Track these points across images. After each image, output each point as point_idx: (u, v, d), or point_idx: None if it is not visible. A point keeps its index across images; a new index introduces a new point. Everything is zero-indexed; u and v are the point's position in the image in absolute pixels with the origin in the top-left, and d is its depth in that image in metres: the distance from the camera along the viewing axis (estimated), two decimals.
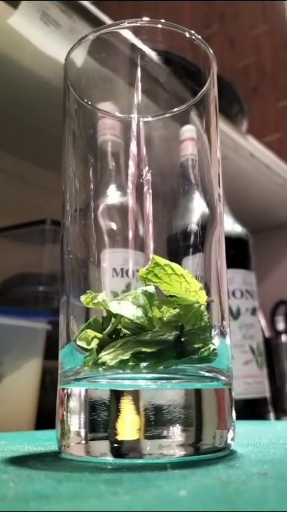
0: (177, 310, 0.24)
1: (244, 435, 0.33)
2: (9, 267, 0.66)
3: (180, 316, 0.24)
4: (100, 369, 0.23)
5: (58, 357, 0.26)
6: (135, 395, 0.22)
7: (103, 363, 0.23)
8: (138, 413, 0.22)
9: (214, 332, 0.25)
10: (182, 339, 0.24)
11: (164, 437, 0.22)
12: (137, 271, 0.26)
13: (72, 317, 0.26)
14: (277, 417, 0.70)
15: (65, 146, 0.29)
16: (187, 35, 0.29)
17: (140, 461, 0.21)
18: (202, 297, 0.24)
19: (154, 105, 0.30)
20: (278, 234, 1.17)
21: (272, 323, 0.99)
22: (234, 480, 0.16)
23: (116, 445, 0.22)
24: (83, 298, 0.25)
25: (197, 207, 0.28)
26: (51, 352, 0.53)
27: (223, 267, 0.28)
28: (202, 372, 0.24)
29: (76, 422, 0.23)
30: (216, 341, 0.25)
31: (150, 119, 0.29)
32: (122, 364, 0.23)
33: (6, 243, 0.69)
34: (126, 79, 0.31)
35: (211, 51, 0.29)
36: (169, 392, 0.23)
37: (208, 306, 0.25)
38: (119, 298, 0.25)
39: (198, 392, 0.23)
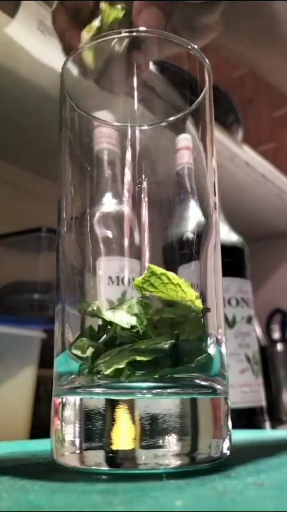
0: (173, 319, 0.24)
1: (240, 445, 0.33)
2: (4, 275, 0.66)
3: (176, 325, 0.24)
4: (95, 378, 0.23)
5: (53, 366, 0.26)
6: (131, 404, 0.22)
7: (98, 372, 0.23)
8: (134, 422, 0.22)
9: (209, 341, 0.25)
10: (178, 348, 0.24)
11: (160, 446, 0.22)
12: (133, 279, 0.26)
13: (67, 325, 0.26)
14: (273, 426, 0.70)
15: (61, 154, 0.29)
16: (183, 45, 0.29)
17: (135, 471, 0.21)
18: (198, 307, 0.24)
19: (150, 114, 0.30)
20: (274, 243, 1.18)
21: (267, 331, 0.99)
22: (230, 490, 0.16)
23: (111, 454, 0.22)
24: (78, 306, 0.25)
25: (193, 215, 0.28)
26: (46, 360, 0.53)
27: (219, 275, 0.28)
28: (198, 381, 0.24)
29: (70, 431, 0.23)
30: (211, 350, 0.25)
31: (146, 127, 0.29)
32: (118, 373, 0.22)
33: (1, 251, 0.69)
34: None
35: (207, 60, 0.29)
36: (164, 401, 0.22)
37: (204, 315, 0.25)
38: (114, 307, 0.25)
39: (193, 401, 0.23)
